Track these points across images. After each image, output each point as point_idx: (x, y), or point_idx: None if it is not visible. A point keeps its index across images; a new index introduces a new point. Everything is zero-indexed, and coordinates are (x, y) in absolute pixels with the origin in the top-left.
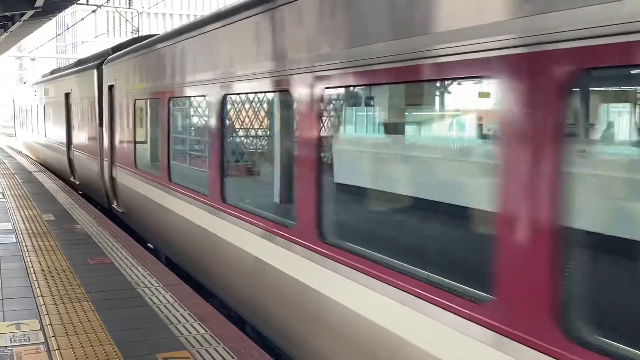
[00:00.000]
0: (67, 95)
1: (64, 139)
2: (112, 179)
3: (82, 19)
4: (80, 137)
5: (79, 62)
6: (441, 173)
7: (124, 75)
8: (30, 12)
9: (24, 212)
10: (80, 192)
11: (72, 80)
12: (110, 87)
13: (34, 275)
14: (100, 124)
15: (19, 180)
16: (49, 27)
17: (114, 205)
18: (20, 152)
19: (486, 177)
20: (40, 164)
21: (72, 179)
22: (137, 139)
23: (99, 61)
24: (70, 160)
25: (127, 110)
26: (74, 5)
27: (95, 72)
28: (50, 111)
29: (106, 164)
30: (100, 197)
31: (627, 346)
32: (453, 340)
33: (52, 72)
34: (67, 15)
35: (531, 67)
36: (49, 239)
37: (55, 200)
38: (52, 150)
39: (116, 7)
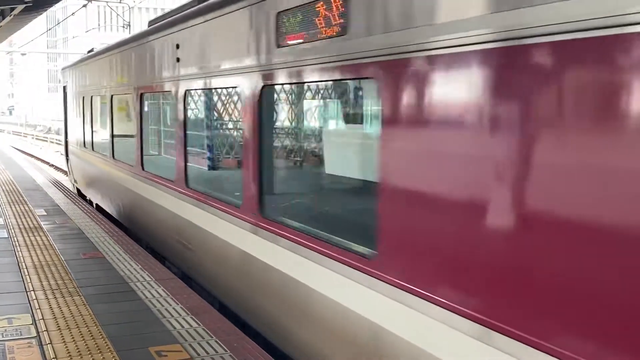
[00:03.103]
0: None
1: None
2: None
3: (72, 14)
4: None
5: None
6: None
7: None
8: (20, 7)
9: (16, 207)
10: None
11: None
12: None
13: (25, 270)
14: None
15: (11, 176)
16: (39, 22)
17: None
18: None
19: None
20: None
21: None
22: None
23: None
24: None
25: None
26: None
27: None
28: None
29: None
30: None
31: None
32: None
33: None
34: (57, 9)
35: None
36: (40, 234)
37: (47, 195)
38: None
39: (107, 2)
